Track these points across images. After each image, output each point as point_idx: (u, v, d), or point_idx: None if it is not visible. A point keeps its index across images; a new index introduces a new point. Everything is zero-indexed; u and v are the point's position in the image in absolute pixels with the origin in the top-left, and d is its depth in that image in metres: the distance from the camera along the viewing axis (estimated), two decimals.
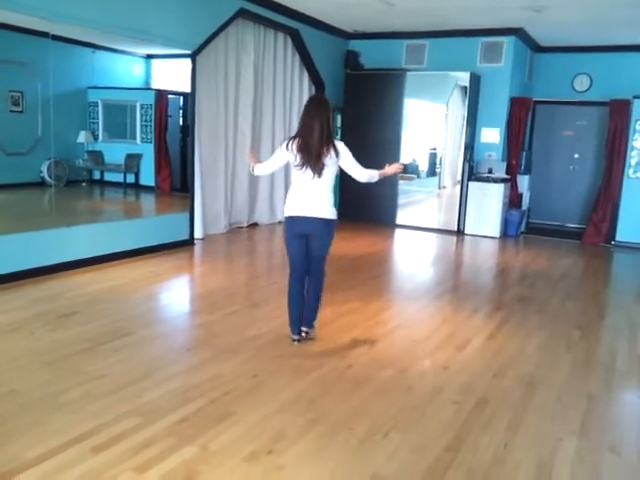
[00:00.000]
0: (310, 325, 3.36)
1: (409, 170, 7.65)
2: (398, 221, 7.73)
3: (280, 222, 7.49)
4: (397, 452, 2.26)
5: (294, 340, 3.32)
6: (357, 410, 2.59)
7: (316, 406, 2.59)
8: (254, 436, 2.31)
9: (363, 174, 3.20)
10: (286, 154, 3.17)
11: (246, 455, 2.17)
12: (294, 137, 3.14)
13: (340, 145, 3.14)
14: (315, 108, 3.11)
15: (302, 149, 3.07)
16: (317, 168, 3.07)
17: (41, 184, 5.32)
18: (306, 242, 3.23)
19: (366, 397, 2.72)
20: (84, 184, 6.02)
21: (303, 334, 3.33)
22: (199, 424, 2.37)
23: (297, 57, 7.38)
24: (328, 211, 3.17)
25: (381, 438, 2.35)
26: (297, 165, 3.11)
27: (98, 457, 2.10)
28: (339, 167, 3.20)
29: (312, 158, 3.05)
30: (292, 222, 3.20)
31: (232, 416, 2.45)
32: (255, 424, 2.40)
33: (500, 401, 2.74)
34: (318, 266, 3.29)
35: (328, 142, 3.07)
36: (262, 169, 3.38)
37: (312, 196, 3.13)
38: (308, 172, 3.09)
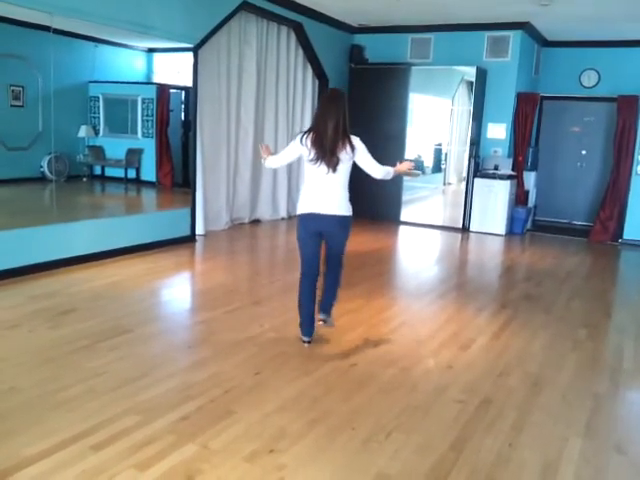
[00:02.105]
0: (328, 313, 3.31)
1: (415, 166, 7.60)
2: (402, 218, 7.68)
3: (283, 218, 7.46)
4: (400, 452, 2.23)
5: (305, 342, 3.26)
6: (360, 409, 2.55)
7: (318, 405, 2.56)
8: (255, 435, 2.28)
9: (379, 170, 3.15)
10: (300, 148, 3.08)
11: (247, 454, 2.15)
12: (308, 131, 3.07)
13: (356, 140, 3.06)
14: (330, 101, 3.03)
15: (316, 143, 2.99)
16: (331, 163, 2.99)
17: (41, 179, 5.30)
18: (321, 240, 3.17)
19: (369, 396, 2.69)
20: (85, 179, 5.99)
21: (320, 322, 3.29)
22: (200, 422, 2.35)
23: (300, 51, 7.32)
24: (343, 207, 3.10)
25: (384, 437, 2.31)
26: (311, 160, 3.02)
27: (98, 455, 2.08)
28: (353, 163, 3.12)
29: (327, 153, 2.97)
30: (307, 220, 3.13)
31: (233, 414, 2.43)
32: (256, 423, 2.38)
33: (505, 401, 2.70)
34: (336, 261, 3.24)
35: (343, 136, 2.99)
36: (273, 161, 3.31)
37: (327, 192, 3.06)
38: (322, 167, 3.01)
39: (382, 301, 4.18)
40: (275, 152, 3.39)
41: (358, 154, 3.07)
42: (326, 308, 3.31)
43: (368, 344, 3.31)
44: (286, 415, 2.46)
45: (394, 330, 3.63)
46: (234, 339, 3.29)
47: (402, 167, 3.24)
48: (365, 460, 2.16)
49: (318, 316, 3.30)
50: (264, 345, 3.23)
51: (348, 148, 3.01)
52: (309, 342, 3.26)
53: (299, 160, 3.28)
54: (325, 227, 3.10)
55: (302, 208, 3.14)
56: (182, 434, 2.25)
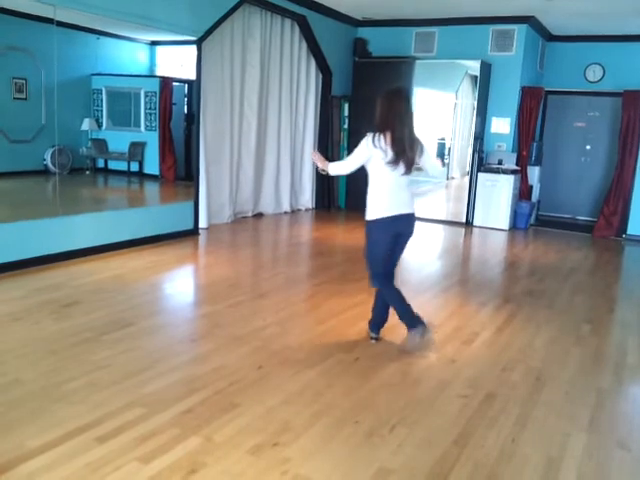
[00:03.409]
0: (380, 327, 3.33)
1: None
2: None
3: (285, 212, 7.45)
4: (403, 446, 2.23)
5: (373, 339, 3.29)
6: (363, 403, 2.56)
7: (322, 398, 2.57)
8: (259, 428, 2.29)
9: (439, 168, 3.34)
10: (372, 151, 2.96)
11: (251, 447, 2.15)
12: (379, 132, 2.92)
13: (422, 141, 3.07)
14: (404, 101, 2.97)
15: (396, 145, 2.91)
16: (410, 164, 2.97)
17: (44, 172, 5.31)
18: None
19: (372, 390, 2.69)
20: (88, 172, 6.00)
21: (374, 340, 3.29)
22: (204, 415, 2.35)
23: (304, 44, 7.29)
24: (414, 206, 3.14)
25: (387, 431, 2.32)
26: (389, 162, 2.93)
27: (102, 447, 2.09)
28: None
29: (406, 153, 2.93)
30: (390, 222, 3.04)
31: (237, 407, 2.43)
32: (260, 416, 2.38)
33: (508, 396, 2.70)
34: (396, 267, 3.27)
35: (415, 137, 3.01)
36: (340, 168, 3.17)
37: (403, 192, 3.06)
38: (400, 168, 2.95)
39: None
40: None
41: (424, 154, 3.08)
42: (382, 323, 3.32)
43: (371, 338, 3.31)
44: (290, 408, 2.46)
45: (397, 324, 3.62)
46: (237, 333, 3.29)
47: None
48: (368, 454, 2.17)
49: (371, 334, 3.32)
50: (267, 338, 3.23)
51: (418, 149, 3.02)
52: (377, 339, 3.31)
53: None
54: (404, 227, 3.10)
55: (383, 211, 3.03)
56: (186, 427, 2.25)
